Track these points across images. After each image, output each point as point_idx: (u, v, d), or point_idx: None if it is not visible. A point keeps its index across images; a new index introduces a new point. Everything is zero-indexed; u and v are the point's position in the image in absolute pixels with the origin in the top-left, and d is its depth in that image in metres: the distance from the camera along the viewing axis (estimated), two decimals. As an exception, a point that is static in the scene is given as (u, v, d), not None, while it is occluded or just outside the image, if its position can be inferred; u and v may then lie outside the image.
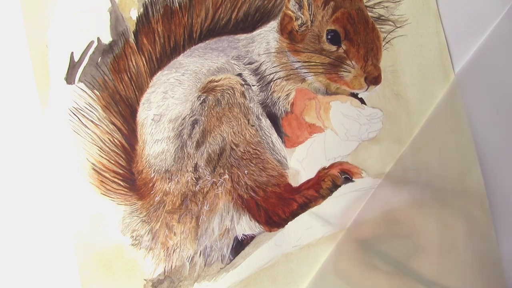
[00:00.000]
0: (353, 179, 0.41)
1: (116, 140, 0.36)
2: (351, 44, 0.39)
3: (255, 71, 0.39)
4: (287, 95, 0.40)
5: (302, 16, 0.39)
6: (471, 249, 0.37)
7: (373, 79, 0.39)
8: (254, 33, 0.39)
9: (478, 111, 0.45)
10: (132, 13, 0.36)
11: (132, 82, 0.36)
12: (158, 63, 0.37)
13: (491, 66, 0.46)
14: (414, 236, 0.38)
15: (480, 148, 0.44)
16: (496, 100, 0.47)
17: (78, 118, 0.35)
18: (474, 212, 0.39)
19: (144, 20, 0.36)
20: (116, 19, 0.35)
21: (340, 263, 0.38)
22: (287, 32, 0.39)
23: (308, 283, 0.40)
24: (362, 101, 0.41)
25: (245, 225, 0.39)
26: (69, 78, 0.34)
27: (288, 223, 0.40)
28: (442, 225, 0.36)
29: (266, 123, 0.39)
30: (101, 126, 0.35)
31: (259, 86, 0.39)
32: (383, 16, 0.42)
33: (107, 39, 0.35)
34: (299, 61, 0.39)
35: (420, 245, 0.37)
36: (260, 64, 0.39)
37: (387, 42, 0.42)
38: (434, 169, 0.42)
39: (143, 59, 0.37)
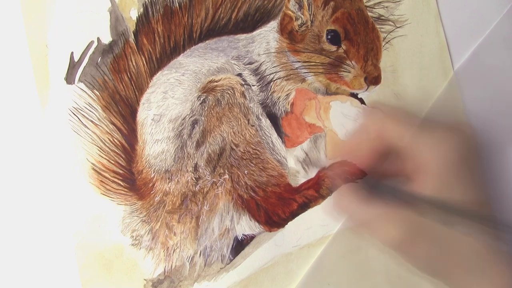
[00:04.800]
0: (353, 179, 0.41)
1: (116, 140, 0.36)
2: (351, 44, 0.39)
3: (255, 71, 0.39)
4: (287, 95, 0.40)
5: (302, 16, 0.39)
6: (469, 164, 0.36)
7: (373, 79, 0.39)
8: (254, 33, 0.39)
9: (476, 109, 0.45)
10: (132, 13, 0.36)
11: (132, 82, 0.36)
12: (158, 63, 0.37)
13: (490, 65, 0.46)
14: (408, 160, 0.37)
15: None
16: (494, 98, 0.47)
17: (78, 118, 0.35)
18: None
19: (144, 20, 0.36)
20: (116, 19, 0.35)
21: (339, 198, 0.37)
22: (287, 32, 0.39)
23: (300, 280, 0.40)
24: (362, 101, 0.41)
25: (245, 225, 0.39)
26: (69, 78, 0.34)
27: (288, 223, 0.40)
28: (434, 143, 0.35)
29: (266, 123, 0.39)
30: (101, 126, 0.35)
31: (259, 86, 0.39)
32: (383, 16, 0.42)
33: (107, 39, 0.35)
34: (299, 61, 0.39)
35: (416, 168, 0.36)
36: (260, 64, 0.39)
37: (387, 42, 0.42)
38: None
39: (143, 59, 0.37)
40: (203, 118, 0.37)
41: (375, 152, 0.37)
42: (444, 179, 0.35)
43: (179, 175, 0.37)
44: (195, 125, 0.37)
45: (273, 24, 0.39)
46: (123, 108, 0.36)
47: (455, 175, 0.35)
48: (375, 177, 0.38)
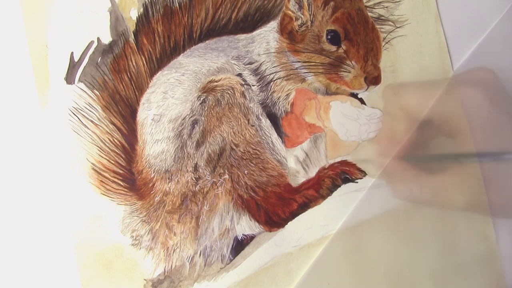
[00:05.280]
0: (353, 179, 0.41)
1: (116, 140, 0.36)
2: (351, 44, 0.39)
3: (255, 71, 0.39)
4: (287, 95, 0.40)
5: (302, 16, 0.39)
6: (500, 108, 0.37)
7: (373, 79, 0.39)
8: (254, 33, 0.39)
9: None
10: (132, 13, 0.36)
11: (132, 82, 0.36)
12: (158, 63, 0.37)
13: (490, 65, 0.46)
14: (444, 126, 0.37)
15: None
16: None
17: (78, 118, 0.35)
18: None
19: (144, 20, 0.36)
20: (116, 19, 0.35)
21: (397, 187, 0.37)
22: (287, 32, 0.39)
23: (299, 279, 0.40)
24: (362, 101, 0.41)
25: (245, 225, 0.39)
26: (69, 78, 0.34)
27: (288, 223, 0.40)
28: (462, 101, 0.36)
29: (266, 123, 0.39)
30: (101, 126, 0.35)
31: (259, 86, 0.39)
32: (383, 16, 0.42)
33: (107, 39, 0.35)
34: (299, 61, 0.39)
35: (455, 130, 0.36)
36: (260, 64, 0.39)
37: (387, 42, 0.42)
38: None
39: (143, 59, 0.37)
40: (203, 118, 0.37)
41: (411, 128, 0.37)
42: (482, 131, 0.35)
43: (179, 175, 0.37)
44: (195, 125, 0.37)
45: (273, 24, 0.39)
46: (123, 108, 0.36)
47: (491, 124, 0.35)
48: (420, 149, 0.38)
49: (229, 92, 0.38)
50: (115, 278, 0.35)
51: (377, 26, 0.40)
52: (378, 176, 0.41)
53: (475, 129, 0.35)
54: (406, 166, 0.37)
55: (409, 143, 0.38)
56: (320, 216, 0.40)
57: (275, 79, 0.39)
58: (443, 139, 0.39)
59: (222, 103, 0.38)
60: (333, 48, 0.39)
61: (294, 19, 0.39)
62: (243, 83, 0.39)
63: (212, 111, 0.38)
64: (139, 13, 0.36)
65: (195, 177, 0.37)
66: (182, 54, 0.38)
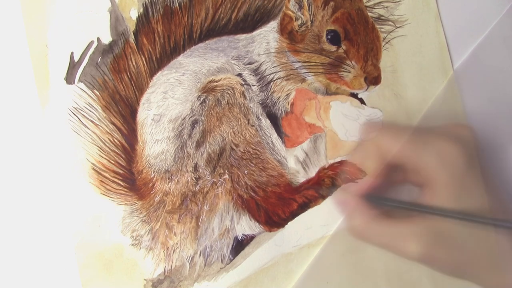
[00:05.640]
0: (353, 179, 0.41)
1: (116, 140, 0.36)
2: (351, 44, 0.39)
3: (255, 71, 0.39)
4: (287, 95, 0.40)
5: (302, 16, 0.39)
6: (475, 168, 0.37)
7: (373, 79, 0.39)
8: (254, 33, 0.39)
9: (475, 108, 0.46)
10: (132, 13, 0.36)
11: (132, 82, 0.36)
12: (158, 63, 0.37)
13: (489, 65, 0.46)
14: (415, 174, 0.37)
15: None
16: (494, 98, 0.47)
17: (78, 118, 0.35)
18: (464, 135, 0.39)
19: (144, 20, 0.36)
20: (116, 19, 0.35)
21: (353, 224, 0.38)
22: (287, 32, 0.39)
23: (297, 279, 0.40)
24: (362, 101, 0.41)
25: (245, 225, 0.39)
26: (69, 78, 0.34)
27: (288, 223, 0.40)
28: (438, 154, 0.36)
29: (266, 123, 0.39)
30: (101, 126, 0.35)
31: (259, 86, 0.39)
32: (383, 16, 0.42)
33: (107, 39, 0.35)
34: (299, 61, 0.39)
35: (425, 181, 0.36)
36: (260, 64, 0.39)
37: (387, 42, 0.42)
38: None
39: (143, 59, 0.37)
40: (203, 118, 0.37)
41: (379, 168, 0.37)
42: (454, 187, 0.35)
43: (179, 175, 0.37)
44: (195, 125, 0.37)
45: (273, 24, 0.39)
46: (123, 108, 0.36)
47: (463, 182, 0.36)
48: (384, 192, 0.39)
49: (229, 92, 0.38)
50: (115, 278, 0.35)
51: (377, 26, 0.40)
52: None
53: (447, 184, 0.35)
54: (368, 205, 0.38)
55: (374, 184, 0.38)
56: (320, 216, 0.40)
57: (275, 79, 0.39)
58: (411, 187, 0.39)
59: (222, 103, 0.38)
60: (333, 48, 0.39)
61: (294, 19, 0.39)
62: (243, 83, 0.39)
63: (212, 111, 0.38)
64: (139, 13, 0.36)
65: (195, 177, 0.37)
66: (182, 54, 0.38)
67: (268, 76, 0.39)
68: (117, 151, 0.36)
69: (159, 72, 0.37)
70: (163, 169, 0.37)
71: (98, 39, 0.35)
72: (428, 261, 0.36)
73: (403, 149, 0.37)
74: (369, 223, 0.37)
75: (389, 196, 0.39)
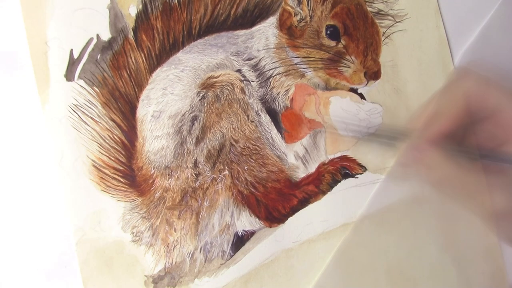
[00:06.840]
0: (353, 174, 0.41)
1: (116, 137, 0.36)
2: (350, 39, 0.38)
3: (254, 67, 0.39)
4: (286, 90, 0.40)
5: (301, 12, 0.39)
6: None
7: (373, 74, 0.39)
8: (253, 29, 0.39)
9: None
10: (131, 10, 0.36)
11: (132, 79, 0.36)
12: (157, 59, 0.37)
13: (489, 59, 0.46)
14: (497, 126, 0.34)
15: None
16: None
17: (78, 115, 0.35)
18: None
19: (143, 17, 0.36)
20: (115, 16, 0.35)
21: (433, 173, 0.33)
22: (286, 28, 0.39)
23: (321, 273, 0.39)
24: (361, 96, 0.41)
25: (245, 221, 0.39)
26: (69, 75, 0.35)
27: (288, 219, 0.40)
28: None
29: (265, 118, 0.39)
30: (101, 123, 0.35)
31: (259, 82, 0.39)
32: (383, 10, 0.42)
33: (106, 36, 0.35)
34: (298, 57, 0.39)
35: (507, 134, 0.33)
36: (259, 60, 0.39)
37: (386, 37, 0.42)
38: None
39: (142, 55, 0.37)
40: (202, 114, 0.37)
41: (460, 116, 0.34)
42: None
43: (179, 171, 0.37)
44: (195, 121, 0.37)
45: (272, 20, 0.39)
46: (122, 105, 0.36)
47: None
48: (460, 143, 0.35)
49: (228, 88, 0.38)
50: (115, 274, 0.35)
51: (377, 21, 0.40)
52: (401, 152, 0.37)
53: None
54: (443, 153, 0.34)
55: (450, 131, 0.34)
56: (320, 211, 0.40)
57: (275, 75, 0.39)
58: (491, 137, 0.35)
59: (222, 99, 0.38)
60: (333, 43, 0.38)
61: (293, 15, 0.39)
62: (243, 79, 0.38)
63: (212, 107, 0.38)
64: (138, 10, 0.36)
65: (195, 173, 0.37)
66: (181, 51, 0.38)
67: (267, 72, 0.39)
68: (117, 147, 0.36)
69: (159, 69, 0.37)
70: (163, 165, 0.37)
71: (98, 36, 0.35)
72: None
73: (488, 98, 0.34)
74: (454, 171, 0.33)
75: (468, 146, 0.35)
